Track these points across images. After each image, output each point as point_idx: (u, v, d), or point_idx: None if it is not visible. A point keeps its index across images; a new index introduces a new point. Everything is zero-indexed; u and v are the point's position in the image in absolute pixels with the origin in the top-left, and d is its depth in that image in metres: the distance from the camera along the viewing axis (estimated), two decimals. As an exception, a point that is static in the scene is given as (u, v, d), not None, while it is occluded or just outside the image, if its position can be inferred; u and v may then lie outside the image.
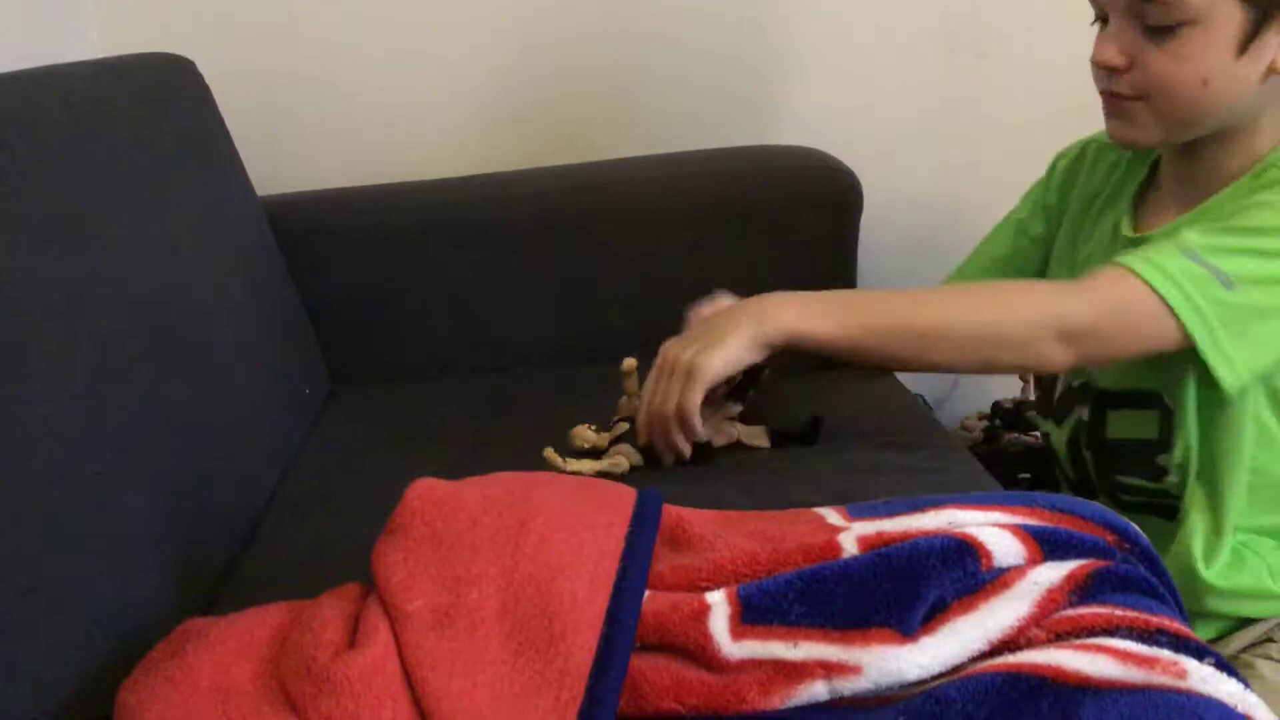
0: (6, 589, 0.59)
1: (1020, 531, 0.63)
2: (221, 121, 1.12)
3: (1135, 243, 0.92)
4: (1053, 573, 0.60)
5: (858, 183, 1.22)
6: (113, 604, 0.68)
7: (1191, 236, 0.81)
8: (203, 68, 1.12)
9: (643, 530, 0.66)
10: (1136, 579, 0.61)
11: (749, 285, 0.99)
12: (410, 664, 0.58)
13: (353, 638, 0.61)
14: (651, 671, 0.58)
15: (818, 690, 0.56)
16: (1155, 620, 0.56)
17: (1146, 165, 0.96)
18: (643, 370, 0.91)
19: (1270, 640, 0.92)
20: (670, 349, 0.87)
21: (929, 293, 0.91)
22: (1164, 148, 0.93)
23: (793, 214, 1.21)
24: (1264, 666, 0.90)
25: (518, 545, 0.63)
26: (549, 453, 0.90)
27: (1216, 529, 0.90)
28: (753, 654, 0.57)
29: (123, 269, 0.81)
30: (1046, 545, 0.62)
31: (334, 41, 1.32)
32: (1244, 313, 0.80)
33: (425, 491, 0.67)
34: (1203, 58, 0.80)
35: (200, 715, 0.55)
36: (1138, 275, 0.80)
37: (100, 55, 0.99)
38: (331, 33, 1.32)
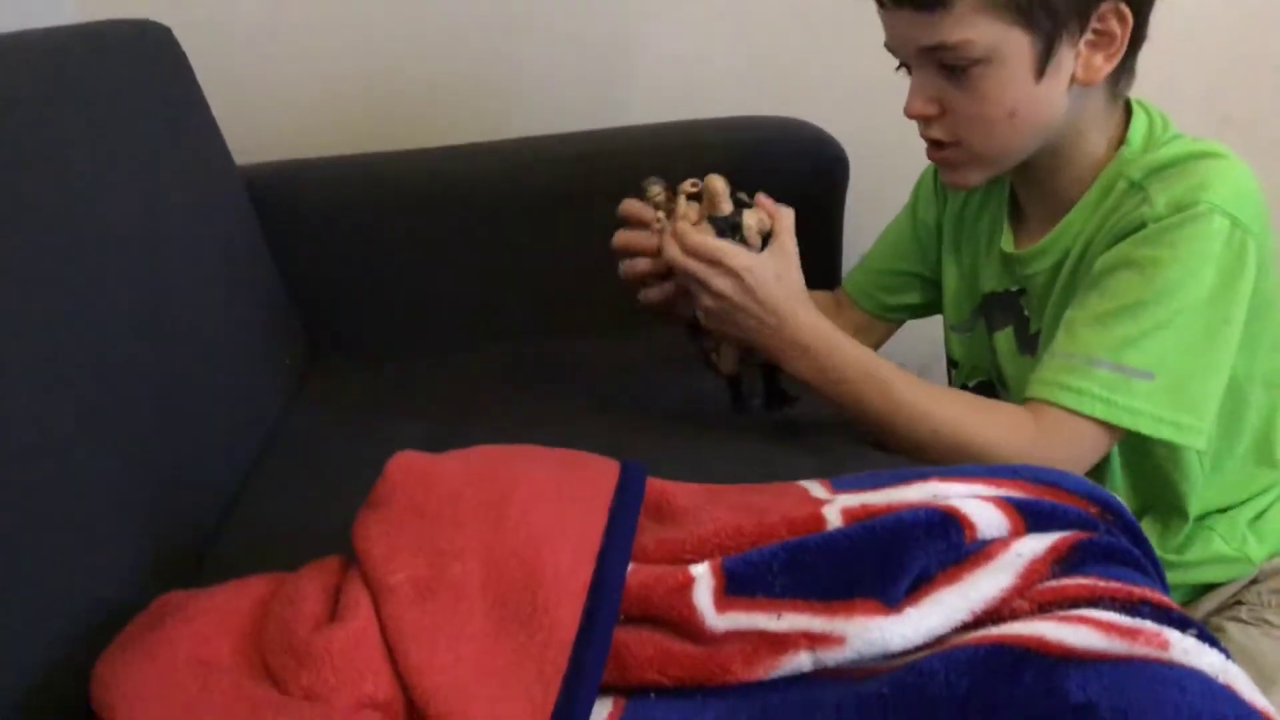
0: (-20, 563, 0.58)
1: (1003, 503, 0.63)
2: (199, 89, 1.10)
3: (1014, 260, 0.92)
4: (1036, 544, 0.60)
5: (844, 153, 1.21)
6: (88, 578, 0.67)
7: (1086, 345, 0.80)
8: (179, 34, 1.10)
9: (626, 502, 0.66)
10: (1119, 550, 0.61)
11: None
12: (392, 637, 0.58)
13: (334, 611, 0.60)
14: (635, 643, 0.58)
15: (802, 661, 0.56)
16: (1138, 591, 0.57)
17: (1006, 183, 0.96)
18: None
19: (1240, 603, 0.93)
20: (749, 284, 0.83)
21: (917, 388, 0.85)
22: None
23: (778, 185, 1.20)
24: (1233, 629, 0.91)
25: (500, 518, 0.63)
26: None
27: (1165, 523, 0.92)
28: (737, 625, 0.57)
29: (96, 238, 0.79)
30: (1030, 517, 0.62)
31: (315, 8, 1.30)
32: (1179, 388, 0.80)
33: (406, 464, 0.66)
34: (1004, 91, 0.80)
35: (179, 688, 0.54)
36: (1069, 410, 0.80)
37: (75, 21, 0.97)
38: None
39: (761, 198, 0.88)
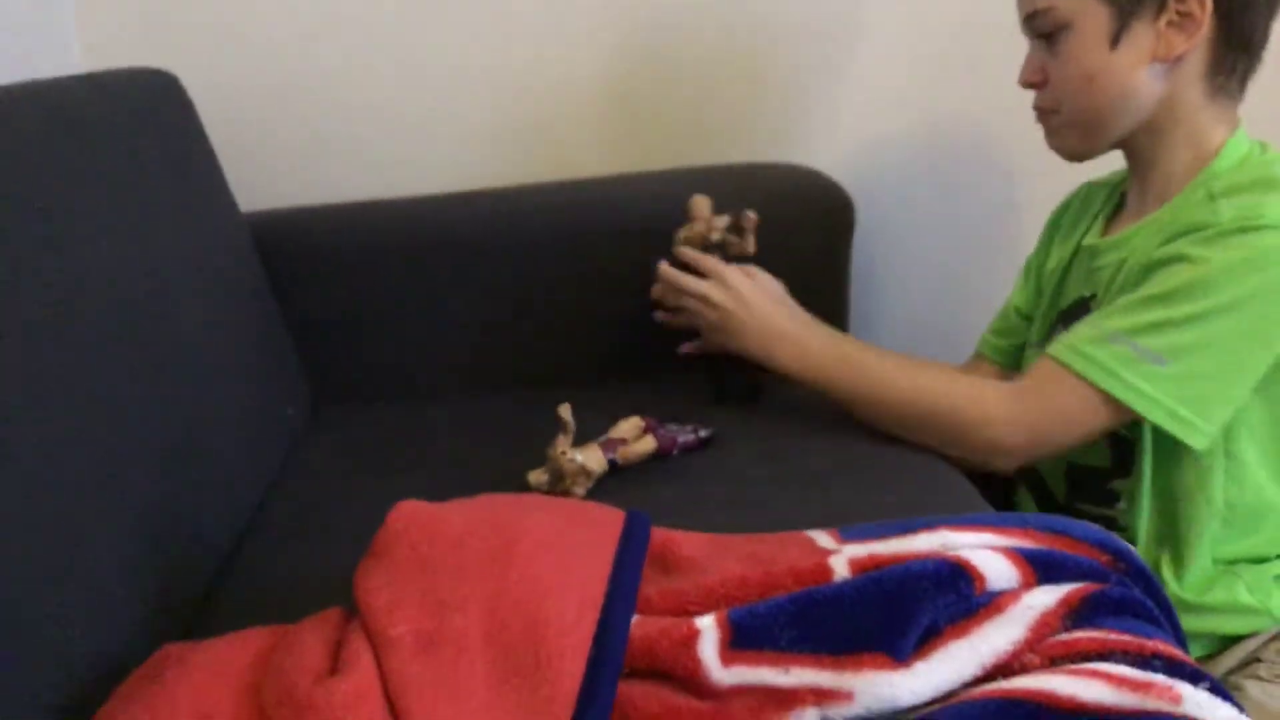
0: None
1: (1013, 554, 0.62)
2: (205, 137, 1.11)
3: (1092, 251, 0.96)
4: (1046, 596, 0.59)
5: (850, 201, 1.22)
6: (89, 631, 0.66)
7: (1113, 320, 0.85)
8: (186, 83, 1.11)
9: (630, 553, 0.65)
10: (1131, 602, 0.61)
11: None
12: (394, 691, 0.57)
13: (335, 664, 0.59)
14: (640, 698, 0.57)
15: (809, 717, 0.55)
16: (1150, 645, 0.56)
17: (1120, 190, 0.99)
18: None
19: (1258, 660, 0.91)
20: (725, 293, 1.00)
21: (897, 366, 0.97)
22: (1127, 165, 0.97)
23: (786, 232, 1.20)
24: (1252, 687, 0.90)
25: (504, 569, 0.62)
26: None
27: (1182, 558, 0.91)
28: (743, 680, 0.57)
29: (102, 287, 0.80)
30: (1040, 568, 0.62)
31: (319, 57, 1.32)
32: (1189, 381, 0.82)
33: (409, 514, 0.66)
34: (1082, 57, 0.88)
35: (177, 744, 0.53)
36: (1075, 373, 0.85)
37: (82, 70, 0.98)
38: (317, 48, 1.31)
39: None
